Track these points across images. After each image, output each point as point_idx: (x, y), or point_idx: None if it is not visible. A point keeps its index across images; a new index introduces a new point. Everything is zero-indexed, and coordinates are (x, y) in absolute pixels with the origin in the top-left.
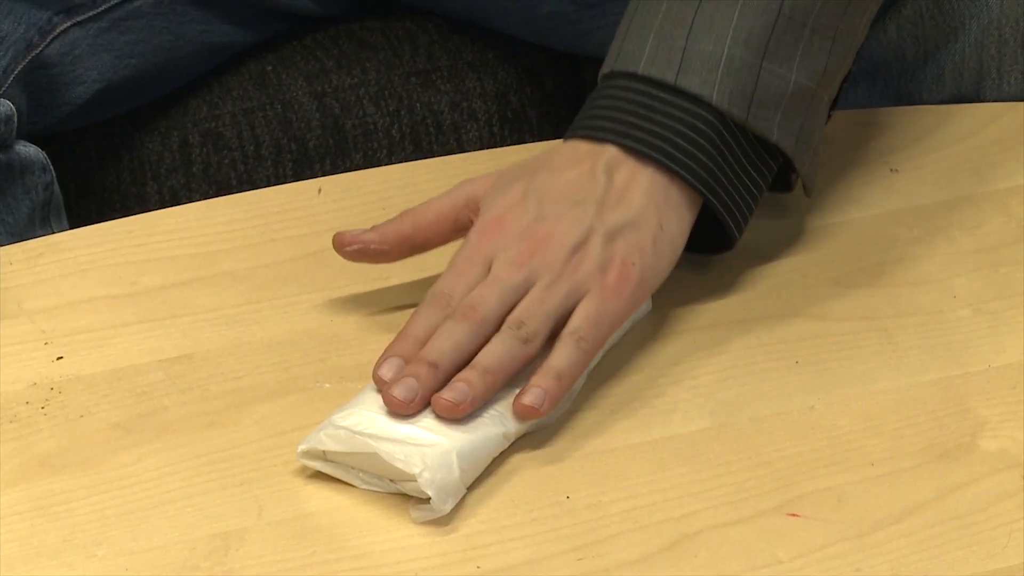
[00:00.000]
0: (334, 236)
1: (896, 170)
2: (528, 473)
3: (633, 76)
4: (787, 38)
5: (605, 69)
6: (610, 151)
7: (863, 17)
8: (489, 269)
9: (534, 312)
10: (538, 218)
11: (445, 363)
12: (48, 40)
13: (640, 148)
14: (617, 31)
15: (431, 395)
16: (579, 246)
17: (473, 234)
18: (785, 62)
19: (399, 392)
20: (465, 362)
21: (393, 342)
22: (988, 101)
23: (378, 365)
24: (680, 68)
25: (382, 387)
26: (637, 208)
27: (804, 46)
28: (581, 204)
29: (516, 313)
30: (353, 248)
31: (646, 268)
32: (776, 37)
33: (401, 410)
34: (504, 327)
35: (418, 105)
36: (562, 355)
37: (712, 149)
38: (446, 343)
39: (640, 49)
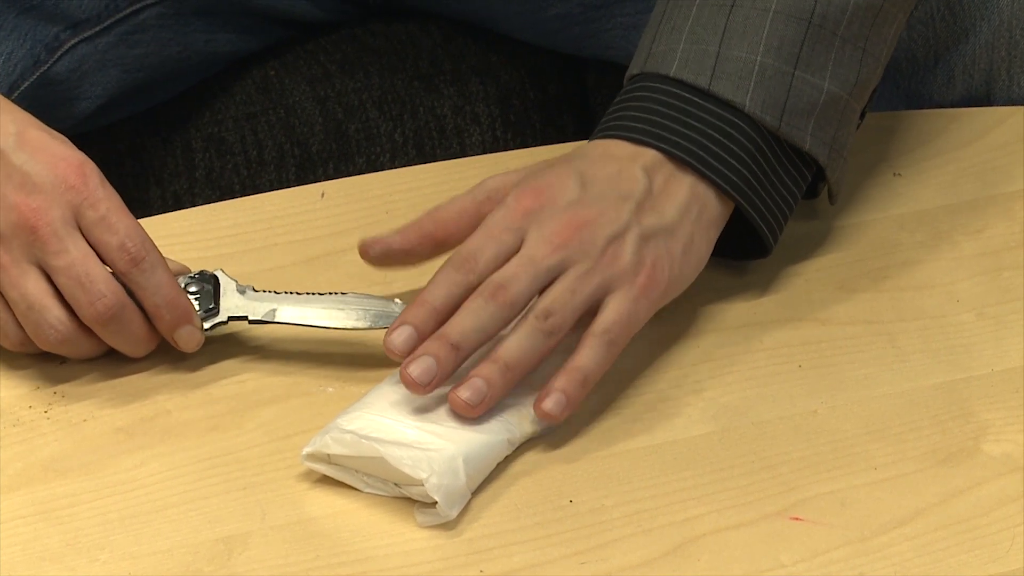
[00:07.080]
0: (359, 243)
1: (899, 174)
2: (531, 477)
3: (665, 79)
4: (819, 47)
5: (634, 70)
6: (648, 154)
7: (891, 27)
8: (522, 240)
9: (564, 303)
10: (581, 199)
11: (467, 345)
12: (56, 57)
13: (678, 154)
14: (644, 34)
15: (448, 377)
16: (615, 239)
17: (511, 197)
18: (818, 71)
19: (417, 372)
20: (486, 343)
21: (409, 308)
22: (998, 102)
23: (390, 331)
24: (713, 74)
25: (396, 359)
26: (671, 217)
27: (836, 55)
28: (625, 199)
29: (545, 302)
30: (377, 249)
31: (674, 277)
32: (808, 46)
33: (416, 391)
34: (531, 316)
35: (421, 109)
36: (590, 356)
37: (747, 157)
38: (470, 323)
39: (672, 52)
